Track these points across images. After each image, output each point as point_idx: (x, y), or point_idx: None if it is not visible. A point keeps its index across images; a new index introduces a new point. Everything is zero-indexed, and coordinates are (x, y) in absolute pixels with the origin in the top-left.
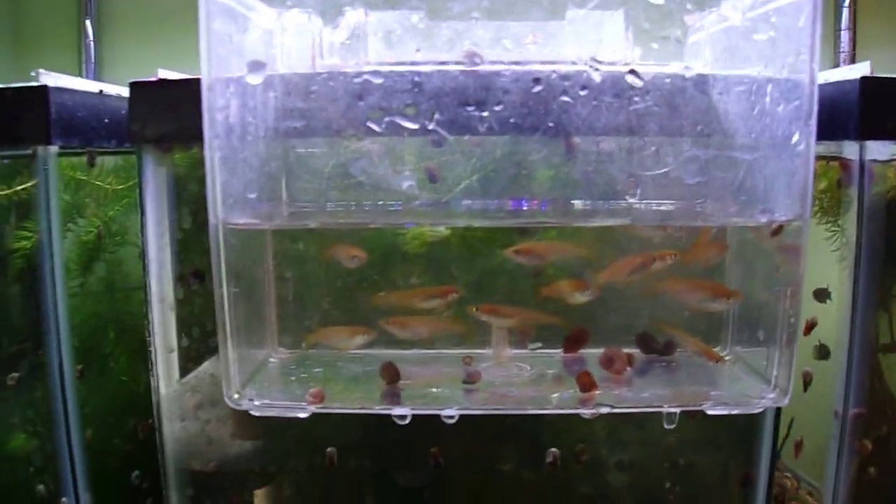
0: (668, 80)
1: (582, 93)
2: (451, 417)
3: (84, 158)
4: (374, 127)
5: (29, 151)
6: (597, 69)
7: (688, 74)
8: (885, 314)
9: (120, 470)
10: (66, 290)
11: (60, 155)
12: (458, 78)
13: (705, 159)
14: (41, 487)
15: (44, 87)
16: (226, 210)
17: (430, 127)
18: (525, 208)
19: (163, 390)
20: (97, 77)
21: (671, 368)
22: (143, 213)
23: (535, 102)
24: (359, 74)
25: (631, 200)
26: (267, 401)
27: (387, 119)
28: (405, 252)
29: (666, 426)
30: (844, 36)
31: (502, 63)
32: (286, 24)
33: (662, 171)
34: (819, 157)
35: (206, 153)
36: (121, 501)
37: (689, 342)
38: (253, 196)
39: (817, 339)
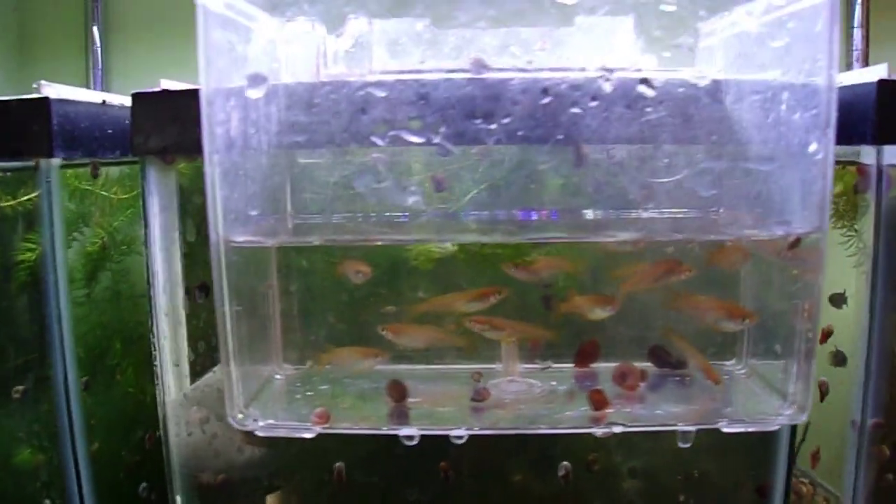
0: (681, 90)
1: (592, 104)
2: (460, 438)
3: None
4: (378, 141)
5: (32, 163)
6: (607, 79)
7: (701, 83)
8: None
9: (128, 482)
10: (70, 302)
11: (64, 167)
12: (465, 89)
13: (719, 171)
14: (47, 502)
15: (45, 100)
16: (227, 227)
17: (436, 140)
18: (534, 219)
19: (169, 404)
20: (104, 83)
21: (685, 383)
22: (146, 226)
23: (544, 114)
24: (362, 87)
25: (643, 215)
26: (272, 421)
27: (391, 133)
28: (413, 266)
29: (681, 445)
30: (857, 34)
31: (511, 70)
32: (290, 33)
33: (673, 183)
34: (835, 162)
35: (207, 169)
36: None
37: (695, 358)
38: (254, 213)
39: (834, 345)
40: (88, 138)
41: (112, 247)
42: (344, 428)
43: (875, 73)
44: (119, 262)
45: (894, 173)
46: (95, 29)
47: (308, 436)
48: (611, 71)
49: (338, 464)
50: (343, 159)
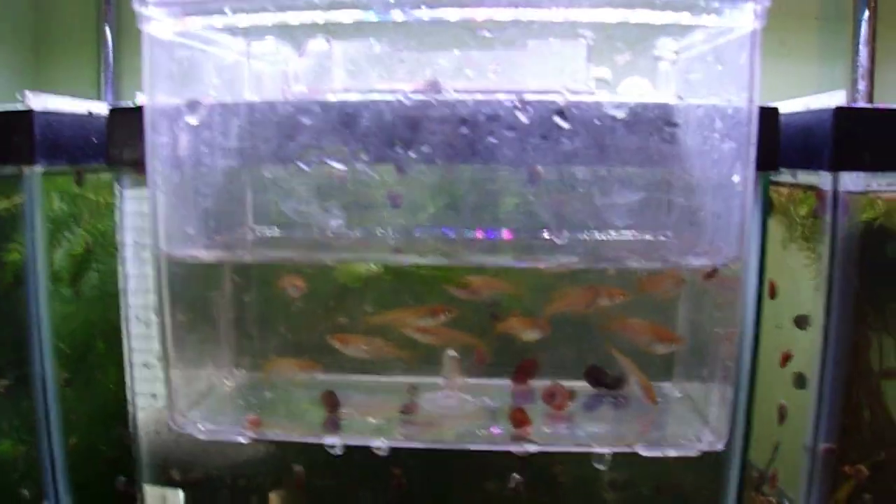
0: (596, 122)
1: (508, 134)
2: (381, 449)
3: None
4: (304, 167)
5: (16, 171)
6: (527, 109)
7: (619, 115)
8: (889, 338)
9: (106, 475)
10: (50, 302)
11: (48, 174)
12: (388, 118)
13: (637, 200)
14: (25, 492)
15: (29, 111)
16: (168, 242)
17: (359, 167)
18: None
19: (138, 403)
20: (115, 82)
21: (619, 403)
22: (121, 231)
23: (463, 143)
24: (290, 116)
25: (559, 241)
26: (211, 425)
27: (315, 160)
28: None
29: (596, 465)
30: (863, 51)
31: (462, 92)
32: (255, 53)
33: (591, 210)
34: (798, 186)
35: (149, 189)
36: None
37: (637, 376)
38: (192, 231)
39: (797, 367)
40: (72, 147)
41: (98, 248)
42: (274, 435)
43: (834, 99)
44: (106, 263)
45: (851, 199)
46: (107, 29)
47: (242, 440)
48: (526, 102)
49: (298, 468)
50: (285, 179)
